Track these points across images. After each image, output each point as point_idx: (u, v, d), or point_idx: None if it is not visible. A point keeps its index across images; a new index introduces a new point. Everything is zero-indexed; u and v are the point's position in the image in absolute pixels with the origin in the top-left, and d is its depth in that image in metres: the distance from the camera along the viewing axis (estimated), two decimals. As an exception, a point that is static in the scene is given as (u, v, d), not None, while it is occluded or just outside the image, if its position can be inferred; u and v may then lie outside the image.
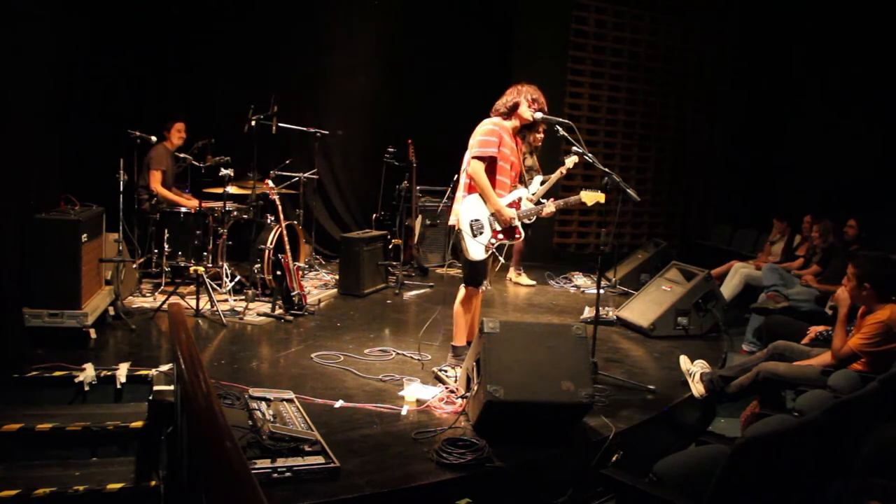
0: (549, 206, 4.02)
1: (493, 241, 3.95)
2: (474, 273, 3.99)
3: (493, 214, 3.94)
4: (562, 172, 6.61)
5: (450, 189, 7.03)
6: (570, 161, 6.14)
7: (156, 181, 5.81)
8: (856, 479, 2.25)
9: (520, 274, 7.26)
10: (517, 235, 4.01)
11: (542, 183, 6.75)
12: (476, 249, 3.89)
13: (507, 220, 3.92)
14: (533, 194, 6.89)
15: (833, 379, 3.52)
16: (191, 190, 6.32)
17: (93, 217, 4.43)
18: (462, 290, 4.04)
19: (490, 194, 3.87)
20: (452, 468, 2.85)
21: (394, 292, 6.32)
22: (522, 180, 4.16)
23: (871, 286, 3.65)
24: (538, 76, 8.33)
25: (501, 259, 4.19)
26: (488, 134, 3.87)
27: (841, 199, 7.46)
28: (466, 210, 3.91)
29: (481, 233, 3.91)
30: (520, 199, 4.07)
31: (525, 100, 3.92)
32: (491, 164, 3.89)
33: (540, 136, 6.80)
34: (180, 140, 5.99)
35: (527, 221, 4.07)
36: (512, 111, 3.94)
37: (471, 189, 3.94)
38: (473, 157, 3.86)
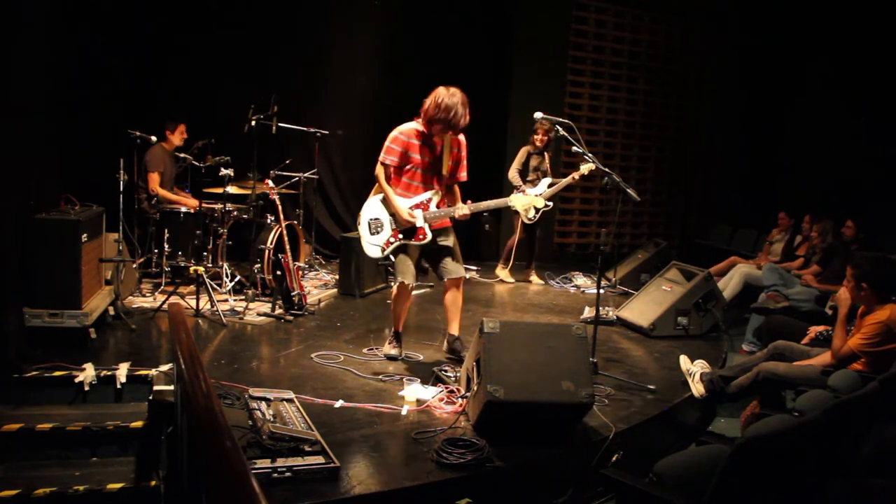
0: (464, 209, 4.04)
1: (392, 240, 4.09)
2: (397, 268, 4.13)
3: (393, 214, 4.07)
4: (573, 178, 6.62)
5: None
6: (586, 168, 6.16)
7: (154, 182, 5.81)
8: (856, 479, 2.25)
9: (503, 269, 7.30)
10: (420, 236, 4.07)
11: (550, 185, 6.78)
12: (371, 248, 4.10)
13: (404, 222, 4.03)
14: (538, 195, 6.95)
15: (833, 379, 3.52)
16: (191, 190, 6.32)
17: (93, 217, 4.43)
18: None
19: (390, 196, 4.06)
20: (452, 468, 2.85)
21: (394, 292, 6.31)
22: (440, 181, 4.15)
23: (870, 286, 3.65)
24: (538, 76, 8.41)
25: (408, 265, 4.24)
26: (391, 142, 4.08)
27: (841, 199, 7.47)
28: (368, 209, 4.14)
29: (379, 232, 4.08)
30: (429, 201, 4.10)
31: (432, 108, 3.95)
32: (399, 166, 4.07)
33: (539, 137, 6.81)
34: (181, 141, 5.99)
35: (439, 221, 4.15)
36: (424, 116, 4.02)
37: (378, 190, 4.15)
38: (379, 162, 4.09)
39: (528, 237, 7.13)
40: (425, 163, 4.07)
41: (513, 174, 6.83)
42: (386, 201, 4.11)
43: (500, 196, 6.88)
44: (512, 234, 7.12)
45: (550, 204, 6.82)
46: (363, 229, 4.13)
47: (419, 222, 4.02)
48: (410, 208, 4.03)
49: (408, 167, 4.07)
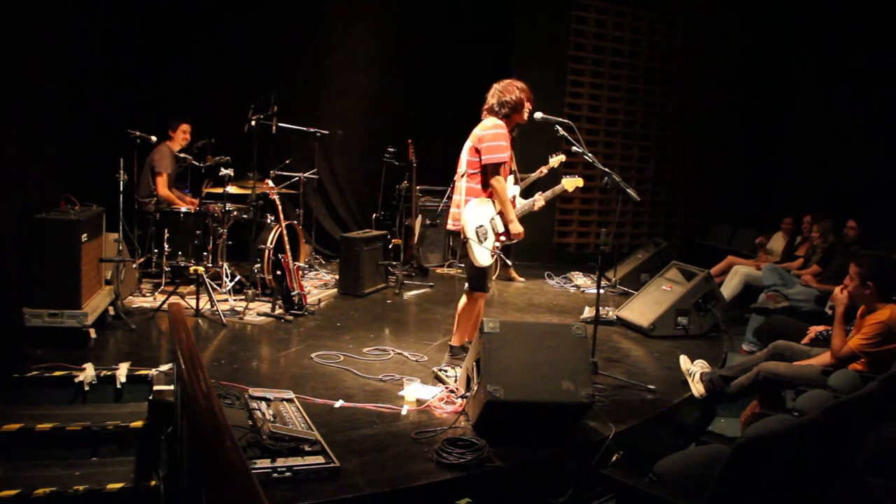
0: (540, 201, 4.08)
1: (497, 244, 3.98)
2: (482, 278, 4.01)
3: (493, 218, 3.96)
4: (542, 172, 6.63)
5: (449, 189, 7.05)
6: (555, 161, 6.16)
7: (163, 186, 5.78)
8: (856, 479, 2.25)
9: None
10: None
11: (516, 182, 6.78)
12: (483, 255, 3.91)
13: (516, 233, 3.95)
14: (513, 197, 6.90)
15: (833, 379, 3.52)
16: (190, 190, 6.32)
17: (93, 217, 4.43)
18: (466, 295, 4.07)
19: (509, 208, 3.94)
20: (452, 468, 2.85)
21: (394, 292, 6.32)
22: (515, 178, 4.19)
23: (875, 285, 3.65)
24: (538, 76, 8.36)
25: (508, 261, 4.22)
26: (500, 139, 3.87)
27: (841, 199, 7.46)
28: (470, 217, 3.91)
29: (486, 238, 3.93)
30: (514, 198, 4.12)
31: (526, 99, 3.93)
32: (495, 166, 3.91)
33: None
34: (185, 141, 5.99)
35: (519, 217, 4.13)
36: (513, 111, 3.95)
37: (470, 192, 3.94)
38: (489, 164, 3.86)
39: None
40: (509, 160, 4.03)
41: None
42: (479, 207, 3.93)
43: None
44: None
45: (531, 201, 6.84)
46: (472, 238, 3.89)
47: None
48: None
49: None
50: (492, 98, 4.00)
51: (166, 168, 5.81)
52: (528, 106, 3.98)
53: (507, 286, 7.10)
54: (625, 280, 7.14)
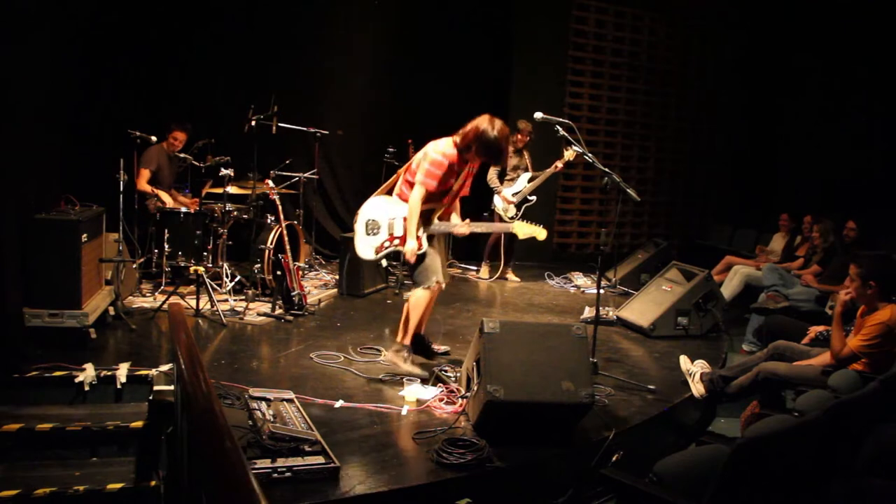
0: (463, 228, 3.96)
1: (388, 244, 3.99)
2: (422, 272, 3.93)
3: (395, 218, 3.95)
4: (557, 167, 6.69)
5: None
6: (570, 153, 6.19)
7: (142, 178, 5.78)
8: (856, 479, 2.25)
9: (485, 267, 7.37)
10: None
11: (531, 180, 6.84)
12: (364, 249, 3.98)
13: (408, 250, 3.85)
14: (514, 195, 6.99)
15: (833, 379, 3.52)
16: (191, 190, 6.32)
17: (93, 217, 4.43)
18: (418, 290, 3.97)
19: (414, 222, 3.83)
20: (452, 468, 2.85)
21: (394, 292, 6.32)
22: (450, 197, 4.07)
23: (877, 284, 3.64)
24: (538, 76, 8.41)
25: (390, 267, 4.08)
26: (436, 166, 3.81)
27: (841, 199, 7.46)
28: (369, 209, 4.00)
29: (375, 234, 3.96)
30: (433, 214, 4.06)
31: (482, 146, 3.80)
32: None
33: (521, 137, 6.89)
34: (174, 147, 5.94)
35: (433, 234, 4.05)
36: (465, 150, 3.85)
37: (399, 192, 4.00)
38: (418, 183, 3.83)
39: (507, 236, 7.13)
40: (451, 184, 3.97)
41: (491, 176, 6.92)
42: (388, 204, 4.01)
43: (496, 197, 6.96)
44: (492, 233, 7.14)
45: (534, 198, 6.87)
46: (359, 228, 4.02)
47: (424, 243, 3.93)
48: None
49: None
50: (466, 127, 3.87)
51: (149, 164, 5.82)
52: (479, 154, 3.84)
53: (505, 286, 7.11)
54: (625, 280, 7.14)
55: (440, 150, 3.86)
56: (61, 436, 3.12)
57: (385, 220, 4.00)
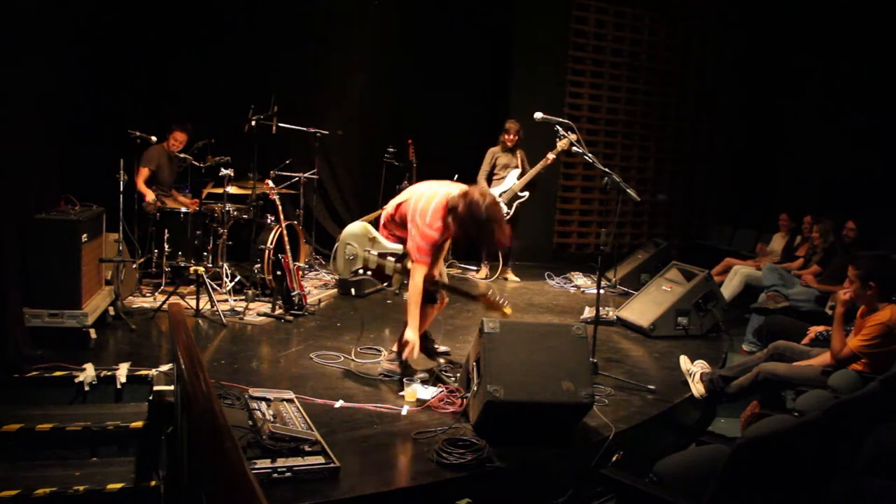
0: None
1: (361, 272, 4.00)
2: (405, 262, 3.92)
3: (370, 251, 3.94)
4: (548, 159, 6.70)
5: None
6: (563, 143, 6.21)
7: (140, 177, 5.80)
8: (856, 479, 2.25)
9: (484, 268, 7.38)
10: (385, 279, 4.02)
11: (521, 176, 6.87)
12: (342, 267, 3.99)
13: (409, 341, 3.71)
14: (501, 194, 6.99)
15: (833, 379, 3.52)
16: (191, 190, 6.32)
17: (93, 217, 4.43)
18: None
19: (415, 314, 3.72)
20: (452, 468, 2.85)
21: (394, 292, 6.32)
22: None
23: (877, 285, 3.64)
24: (538, 76, 8.41)
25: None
26: (428, 241, 3.66)
27: (841, 199, 7.46)
28: (351, 237, 3.97)
29: (352, 259, 3.96)
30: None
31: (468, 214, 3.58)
32: (401, 226, 3.86)
33: (510, 137, 6.93)
34: (175, 147, 5.96)
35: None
36: (446, 226, 3.70)
37: (382, 230, 3.96)
38: (409, 249, 3.74)
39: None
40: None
41: (479, 179, 6.94)
42: (372, 237, 3.95)
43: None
44: None
45: (526, 194, 6.89)
46: (341, 249, 3.98)
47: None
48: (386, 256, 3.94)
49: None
50: (460, 199, 3.59)
51: (148, 163, 5.84)
52: (462, 227, 3.60)
53: (505, 286, 7.11)
54: (625, 280, 7.14)
55: (431, 212, 3.67)
56: (61, 436, 3.12)
57: (361, 252, 3.96)
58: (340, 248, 4.04)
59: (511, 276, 7.34)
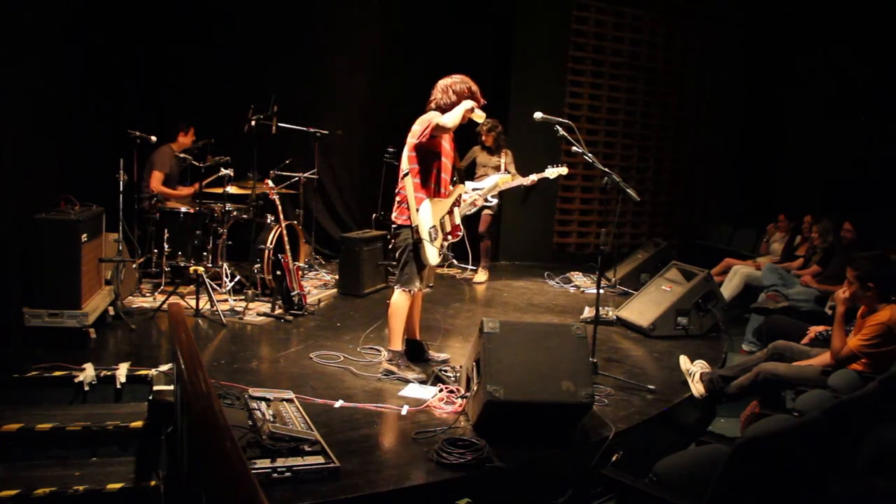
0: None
1: (445, 242, 4.09)
2: (414, 277, 4.00)
3: (443, 218, 4.05)
4: (532, 180, 6.71)
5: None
6: (553, 173, 6.24)
7: (157, 181, 5.82)
8: (856, 479, 2.25)
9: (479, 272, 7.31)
10: (458, 233, 4.22)
11: (497, 183, 6.85)
12: (434, 255, 3.99)
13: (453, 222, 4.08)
14: (475, 189, 6.97)
15: (833, 379, 3.52)
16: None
17: (93, 217, 4.43)
18: (398, 294, 4.02)
19: (420, 204, 3.98)
20: (452, 468, 2.85)
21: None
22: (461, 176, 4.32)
23: (876, 285, 3.64)
24: (538, 76, 8.40)
25: (452, 258, 4.18)
26: (419, 138, 4.03)
27: (841, 199, 7.47)
28: (426, 217, 3.97)
29: (436, 238, 4.00)
30: (459, 197, 4.23)
31: (450, 87, 4.22)
32: (428, 162, 4.03)
33: (483, 136, 6.95)
34: (191, 143, 5.98)
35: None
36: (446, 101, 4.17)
37: (418, 188, 4.01)
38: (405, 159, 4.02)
39: (489, 237, 7.20)
40: (450, 155, 4.09)
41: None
42: (436, 205, 4.01)
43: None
44: (483, 236, 7.14)
45: (495, 201, 6.89)
46: (425, 237, 3.95)
47: (439, 238, 4.02)
48: (451, 207, 4.10)
49: (436, 161, 4.04)
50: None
51: (164, 167, 5.85)
52: (459, 96, 4.20)
53: (504, 287, 7.10)
54: (625, 280, 7.14)
55: (413, 132, 4.06)
56: (61, 436, 3.12)
57: (438, 223, 4.03)
58: (426, 242, 3.95)
59: (479, 276, 7.19)
